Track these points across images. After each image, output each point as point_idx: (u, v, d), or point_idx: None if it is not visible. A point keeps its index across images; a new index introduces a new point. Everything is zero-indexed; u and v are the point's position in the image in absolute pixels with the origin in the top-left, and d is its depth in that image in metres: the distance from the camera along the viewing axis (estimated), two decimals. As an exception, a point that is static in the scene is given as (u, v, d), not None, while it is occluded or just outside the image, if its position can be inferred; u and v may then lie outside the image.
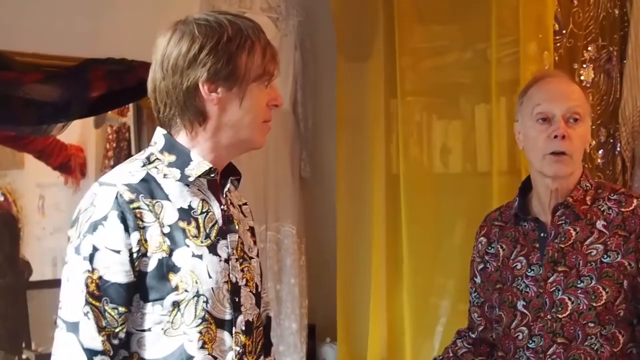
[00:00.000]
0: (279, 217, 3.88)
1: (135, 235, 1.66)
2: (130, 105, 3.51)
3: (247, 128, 1.77)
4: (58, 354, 1.65)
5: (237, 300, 1.77)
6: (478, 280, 2.38)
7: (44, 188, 3.78)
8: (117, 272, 1.65)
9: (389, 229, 3.62)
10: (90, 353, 1.62)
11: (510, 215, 2.30)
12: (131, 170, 1.75)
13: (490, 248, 2.34)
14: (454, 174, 3.55)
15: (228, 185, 1.84)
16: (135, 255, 1.66)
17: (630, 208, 2.14)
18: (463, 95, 3.50)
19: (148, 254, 1.67)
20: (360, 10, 3.83)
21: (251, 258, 1.87)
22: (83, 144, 3.72)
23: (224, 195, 1.82)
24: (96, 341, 1.63)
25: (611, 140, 3.27)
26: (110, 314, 1.64)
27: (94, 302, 1.64)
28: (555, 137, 2.12)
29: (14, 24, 3.04)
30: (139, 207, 1.68)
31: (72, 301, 1.65)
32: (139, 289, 1.68)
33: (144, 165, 1.77)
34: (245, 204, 2.00)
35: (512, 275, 2.22)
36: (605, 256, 2.09)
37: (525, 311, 2.17)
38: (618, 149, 3.26)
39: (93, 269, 1.64)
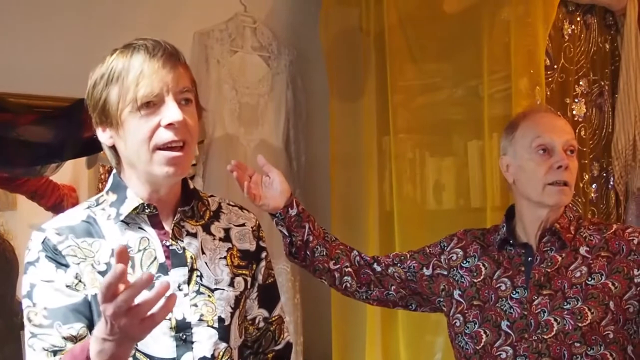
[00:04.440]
0: (273, 255, 3.72)
1: (69, 271, 1.70)
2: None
3: (140, 160, 1.75)
4: None
5: (184, 337, 1.75)
6: (427, 272, 2.45)
7: (38, 228, 3.74)
8: (58, 298, 1.68)
9: (384, 266, 3.60)
10: None
11: (495, 239, 2.36)
12: (74, 214, 1.81)
13: (465, 262, 2.38)
14: (447, 210, 3.54)
15: (177, 217, 1.83)
16: (74, 283, 1.69)
17: (612, 230, 2.22)
18: (455, 131, 3.51)
19: (87, 287, 1.71)
20: (351, 49, 3.85)
21: (214, 290, 1.83)
22: (76, 184, 3.69)
23: (172, 228, 1.82)
24: None
25: (604, 174, 3.30)
26: (68, 333, 1.66)
27: (42, 332, 1.66)
28: (559, 167, 2.19)
29: (7, 65, 3.04)
30: (68, 247, 1.72)
31: (26, 337, 1.69)
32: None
33: (89, 207, 1.82)
34: (242, 225, 1.99)
35: (496, 296, 2.26)
36: (590, 278, 2.15)
37: (509, 331, 2.20)
38: (611, 183, 3.29)
39: (34, 304, 1.68)
